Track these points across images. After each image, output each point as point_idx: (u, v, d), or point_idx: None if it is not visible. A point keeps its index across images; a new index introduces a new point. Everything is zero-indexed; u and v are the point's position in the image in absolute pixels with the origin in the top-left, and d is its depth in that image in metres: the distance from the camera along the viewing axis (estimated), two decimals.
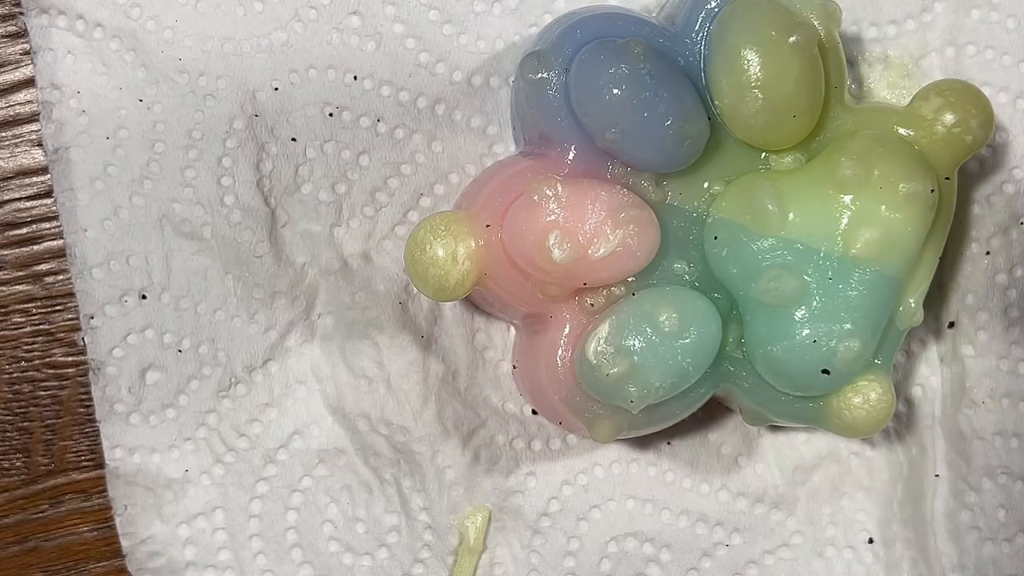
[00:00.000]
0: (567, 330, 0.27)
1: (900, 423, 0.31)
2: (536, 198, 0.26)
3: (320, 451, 0.30)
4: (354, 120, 0.30)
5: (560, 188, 0.26)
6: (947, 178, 0.27)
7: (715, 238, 0.27)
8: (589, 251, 0.26)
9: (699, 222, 0.27)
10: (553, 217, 0.26)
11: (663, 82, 0.26)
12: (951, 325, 0.31)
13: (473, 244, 0.27)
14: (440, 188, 0.30)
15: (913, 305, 0.27)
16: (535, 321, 0.28)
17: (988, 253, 0.30)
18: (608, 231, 0.26)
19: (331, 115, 0.30)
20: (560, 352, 0.27)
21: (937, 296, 0.30)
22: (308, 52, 0.30)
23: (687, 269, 0.27)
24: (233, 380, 0.30)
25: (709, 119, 0.27)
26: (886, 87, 0.30)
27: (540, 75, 0.27)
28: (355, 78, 0.30)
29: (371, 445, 0.30)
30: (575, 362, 0.27)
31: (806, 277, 0.26)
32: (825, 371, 0.26)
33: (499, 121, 0.30)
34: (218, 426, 0.30)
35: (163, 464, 0.30)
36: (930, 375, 0.31)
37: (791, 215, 0.26)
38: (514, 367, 0.29)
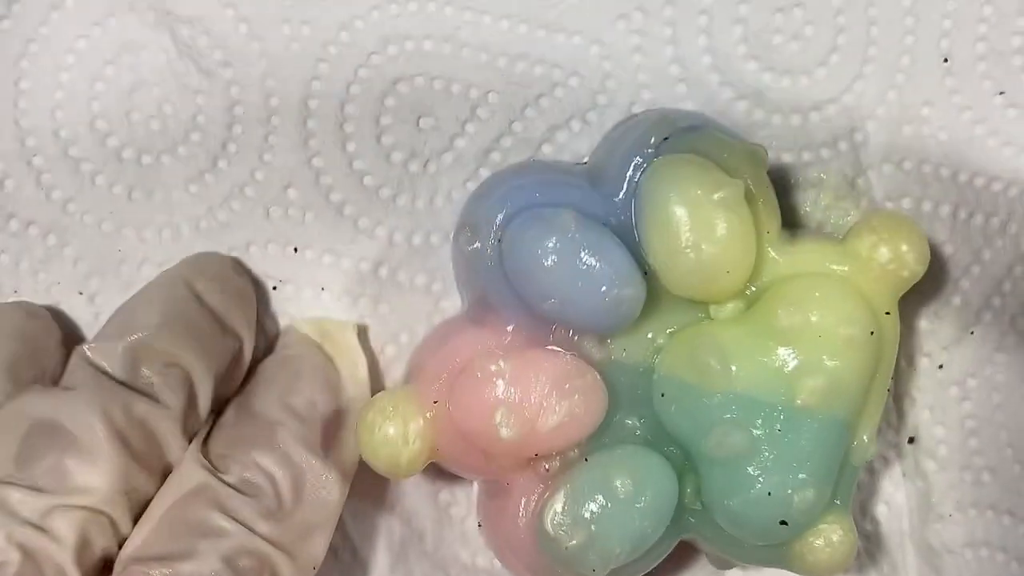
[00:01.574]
0: (524, 500, 0.27)
1: (869, 542, 0.31)
2: (480, 375, 0.26)
3: None
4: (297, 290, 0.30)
5: (503, 364, 0.26)
6: (887, 312, 0.27)
7: (662, 395, 0.27)
8: (537, 424, 0.26)
9: (646, 376, 0.27)
10: (498, 393, 0.26)
11: (595, 250, 0.26)
12: (911, 440, 0.31)
13: (422, 421, 0.27)
14: (391, 349, 0.30)
15: (867, 440, 0.27)
16: (493, 486, 0.28)
17: (940, 367, 0.30)
18: (554, 402, 0.26)
19: (275, 288, 0.30)
20: (519, 519, 0.27)
21: (894, 413, 0.30)
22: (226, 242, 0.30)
23: (639, 424, 0.27)
24: None
25: (646, 274, 0.27)
26: (822, 210, 0.30)
27: (474, 246, 0.27)
28: (295, 250, 0.30)
29: None
30: (535, 530, 0.27)
31: (755, 430, 0.26)
32: (783, 522, 0.26)
33: (442, 277, 0.30)
34: None
35: None
36: (895, 491, 0.31)
37: (734, 368, 0.26)
38: (479, 524, 0.29)
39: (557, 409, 0.26)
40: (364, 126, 0.30)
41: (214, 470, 0.26)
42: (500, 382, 0.26)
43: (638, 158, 0.27)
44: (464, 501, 0.31)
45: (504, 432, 0.26)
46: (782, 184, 0.30)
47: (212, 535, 0.25)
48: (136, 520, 0.26)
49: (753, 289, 0.27)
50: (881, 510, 0.31)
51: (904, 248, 0.27)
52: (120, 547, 0.26)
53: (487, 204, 0.27)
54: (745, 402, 0.26)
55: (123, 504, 0.25)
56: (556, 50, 0.30)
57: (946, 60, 0.30)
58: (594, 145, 0.30)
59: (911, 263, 0.27)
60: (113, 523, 0.25)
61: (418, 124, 0.30)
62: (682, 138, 0.27)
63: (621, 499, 0.26)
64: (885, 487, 0.31)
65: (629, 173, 0.27)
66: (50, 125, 0.30)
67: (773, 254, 0.27)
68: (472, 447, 0.27)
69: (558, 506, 0.26)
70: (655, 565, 0.28)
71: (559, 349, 0.27)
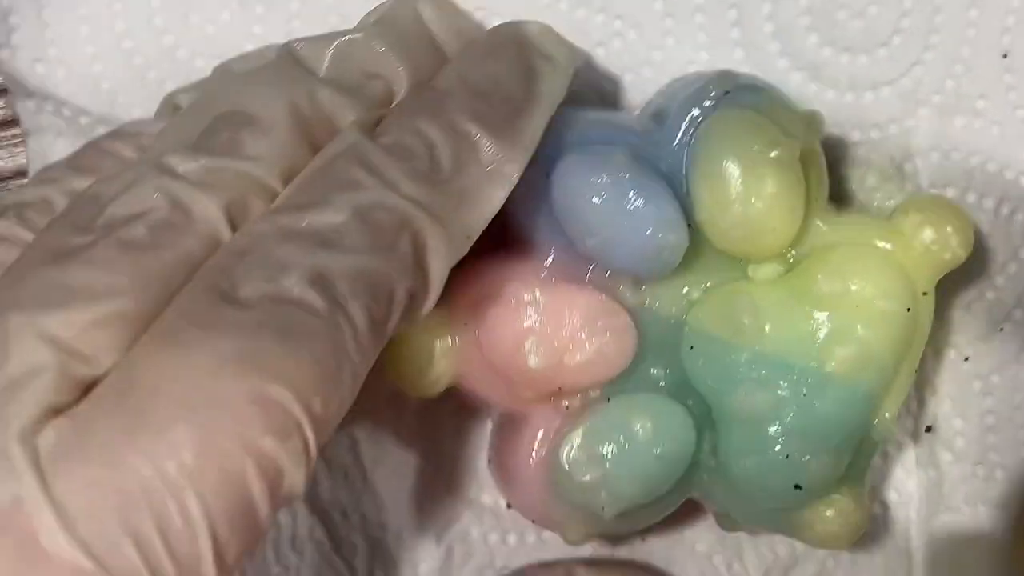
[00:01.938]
0: (541, 432, 0.27)
1: (877, 525, 0.31)
2: (514, 302, 0.26)
3: (293, 539, 0.30)
4: None
5: (538, 294, 0.26)
6: (924, 293, 0.27)
7: (691, 348, 0.27)
8: (564, 358, 0.26)
9: (677, 328, 0.27)
10: (530, 322, 0.26)
11: (645, 192, 0.26)
12: (928, 429, 0.31)
13: (450, 342, 0.27)
14: None
15: (889, 417, 0.27)
16: (511, 419, 0.28)
17: (966, 359, 0.30)
18: (584, 338, 0.26)
19: None
20: (534, 453, 0.27)
21: (915, 400, 0.30)
22: None
23: (663, 375, 0.27)
24: None
25: (689, 227, 0.27)
26: (866, 190, 0.30)
27: (523, 176, 0.27)
28: None
29: (345, 537, 0.30)
30: (548, 465, 0.27)
31: (780, 392, 0.26)
32: (797, 486, 0.26)
33: None
34: None
35: None
36: (906, 479, 0.31)
37: (767, 328, 0.26)
38: (489, 461, 0.29)
39: (587, 345, 0.26)
40: None
41: (369, 135, 0.25)
42: (532, 312, 0.26)
43: (696, 110, 0.27)
44: (476, 439, 0.31)
45: (531, 361, 0.26)
46: (828, 159, 0.30)
47: (348, 188, 0.23)
48: None
49: (794, 254, 0.27)
50: (891, 496, 0.31)
51: (949, 230, 0.27)
52: None
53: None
54: (774, 363, 0.26)
55: (286, 181, 0.24)
56: (619, 1, 0.30)
57: (1005, 56, 0.30)
58: (646, 100, 0.30)
59: (954, 246, 0.27)
60: (273, 197, 0.24)
61: None
62: (742, 95, 0.27)
63: (639, 442, 0.26)
64: (897, 473, 0.31)
65: (685, 124, 0.27)
66: None
67: (818, 222, 0.27)
68: (497, 374, 0.27)
69: (576, 441, 0.26)
70: (661, 518, 0.28)
71: (595, 287, 0.27)
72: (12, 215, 0.24)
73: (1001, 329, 0.30)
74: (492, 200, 0.25)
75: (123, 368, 0.21)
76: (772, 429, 0.26)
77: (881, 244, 0.27)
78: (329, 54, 0.26)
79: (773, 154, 0.26)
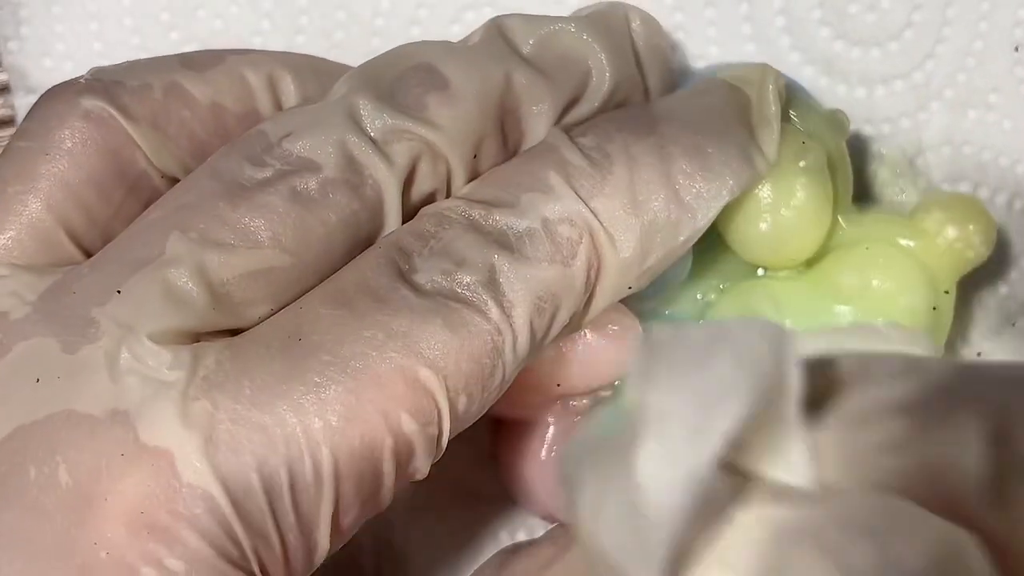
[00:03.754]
0: (551, 430, 0.27)
1: None
2: None
3: None
4: None
5: None
6: (946, 291, 0.27)
7: None
8: (570, 362, 0.26)
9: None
10: None
11: None
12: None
13: None
14: None
15: None
16: (519, 421, 0.28)
17: (979, 355, 0.30)
18: (591, 342, 0.26)
19: None
20: (544, 451, 0.27)
21: None
22: None
23: None
24: None
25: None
26: (878, 185, 0.30)
27: None
28: None
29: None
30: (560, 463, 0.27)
31: None
32: None
33: None
34: None
35: None
36: None
37: (787, 323, 0.26)
38: (493, 456, 0.29)
39: (594, 352, 0.26)
40: None
41: (570, 136, 0.24)
42: None
43: None
44: (485, 435, 0.30)
45: (538, 368, 0.25)
46: None
47: (541, 192, 0.23)
48: (471, 180, 0.24)
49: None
50: None
51: (972, 228, 0.27)
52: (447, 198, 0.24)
53: None
54: None
55: (465, 156, 0.24)
56: None
57: (1017, 49, 0.30)
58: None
59: (977, 244, 0.27)
60: (449, 170, 0.24)
61: None
62: None
63: None
64: None
65: None
66: None
67: (842, 221, 0.27)
68: None
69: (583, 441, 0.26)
70: None
71: None
72: (102, 95, 0.24)
73: (1013, 324, 0.30)
74: (674, 240, 0.24)
75: (291, 316, 0.21)
76: None
77: (904, 242, 0.27)
78: (537, 35, 0.26)
79: (802, 164, 0.26)
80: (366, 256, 0.23)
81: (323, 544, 0.21)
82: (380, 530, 0.30)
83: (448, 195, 0.24)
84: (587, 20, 0.26)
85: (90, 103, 0.24)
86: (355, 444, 0.21)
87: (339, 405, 0.20)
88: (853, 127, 0.30)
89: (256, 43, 0.29)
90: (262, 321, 0.22)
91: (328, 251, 0.23)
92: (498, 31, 0.25)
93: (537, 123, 0.25)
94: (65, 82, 0.25)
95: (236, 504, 0.20)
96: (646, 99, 0.27)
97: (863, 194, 0.30)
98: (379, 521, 0.29)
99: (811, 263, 0.27)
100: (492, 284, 0.22)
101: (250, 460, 0.20)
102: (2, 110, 0.30)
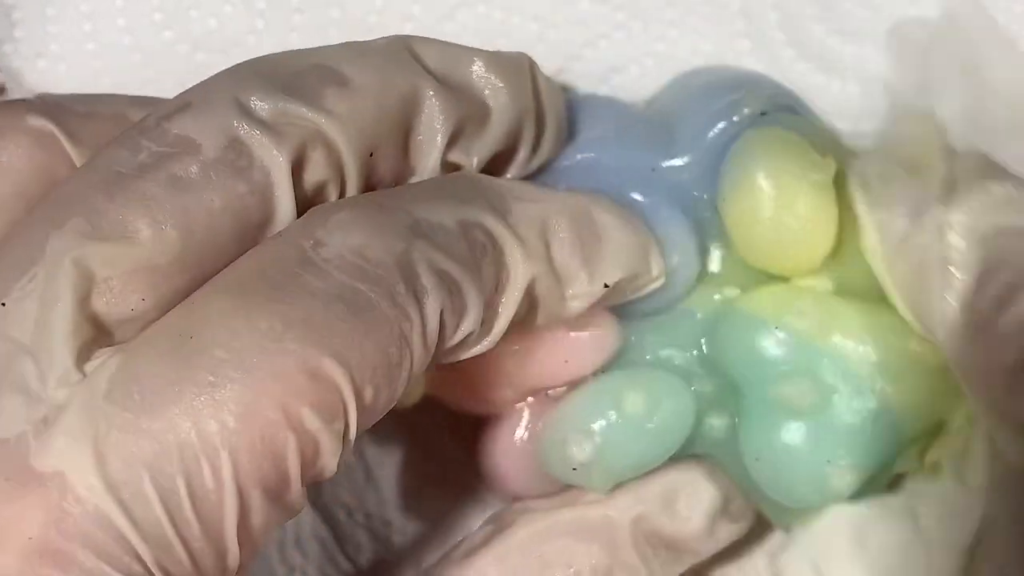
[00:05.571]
0: (526, 415, 0.27)
1: None
2: None
3: (297, 538, 0.30)
4: None
5: None
6: None
7: (737, 330, 0.26)
8: (541, 356, 0.26)
9: (703, 324, 0.27)
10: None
11: (652, 214, 0.26)
12: None
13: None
14: None
15: (927, 462, 0.27)
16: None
17: None
18: (563, 337, 0.26)
19: None
20: (518, 437, 0.27)
21: None
22: None
23: (677, 355, 0.27)
24: None
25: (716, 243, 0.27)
26: None
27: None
28: None
29: (349, 534, 0.30)
30: (536, 446, 0.27)
31: (829, 393, 0.26)
32: (814, 490, 0.26)
33: None
34: None
35: None
36: None
37: (835, 334, 0.26)
38: (477, 454, 0.29)
39: (565, 344, 0.26)
40: None
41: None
42: None
43: (724, 123, 0.27)
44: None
45: (504, 363, 0.26)
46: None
47: (459, 201, 0.23)
48: (366, 188, 0.24)
49: (846, 273, 0.27)
50: None
51: None
52: (340, 197, 0.23)
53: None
54: (829, 364, 0.26)
55: (360, 152, 0.23)
56: None
57: None
58: (649, 90, 0.29)
59: None
60: (342, 164, 0.23)
61: None
62: (779, 116, 0.27)
63: (631, 416, 0.26)
64: None
65: (711, 135, 0.27)
66: None
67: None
68: (470, 378, 0.26)
69: (566, 417, 0.26)
70: None
71: None
72: (48, 115, 0.24)
73: None
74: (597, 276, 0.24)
75: (183, 312, 0.20)
76: (805, 427, 0.26)
77: None
78: (443, 57, 0.25)
79: (812, 177, 0.26)
80: (264, 243, 0.22)
81: (233, 550, 0.20)
82: (377, 528, 0.30)
83: (343, 194, 0.23)
84: (494, 55, 0.26)
85: (36, 121, 0.24)
86: (256, 445, 0.20)
87: (235, 404, 0.19)
88: (847, 125, 0.30)
89: (250, 42, 0.29)
90: (153, 321, 0.21)
91: (215, 238, 0.21)
92: (404, 46, 0.25)
93: (437, 136, 0.24)
94: (14, 99, 0.25)
95: (133, 518, 0.19)
96: (539, 140, 0.26)
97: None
98: (376, 518, 0.30)
99: (840, 283, 0.27)
100: (405, 268, 0.21)
101: (143, 471, 0.19)
102: None
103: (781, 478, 0.26)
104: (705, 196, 0.27)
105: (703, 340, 0.27)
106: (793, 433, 0.26)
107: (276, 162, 0.22)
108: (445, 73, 0.25)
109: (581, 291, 0.24)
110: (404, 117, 0.24)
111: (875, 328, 0.26)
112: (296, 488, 0.21)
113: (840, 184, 0.27)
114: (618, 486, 0.26)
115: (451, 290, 0.22)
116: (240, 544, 0.20)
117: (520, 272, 0.23)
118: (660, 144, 0.27)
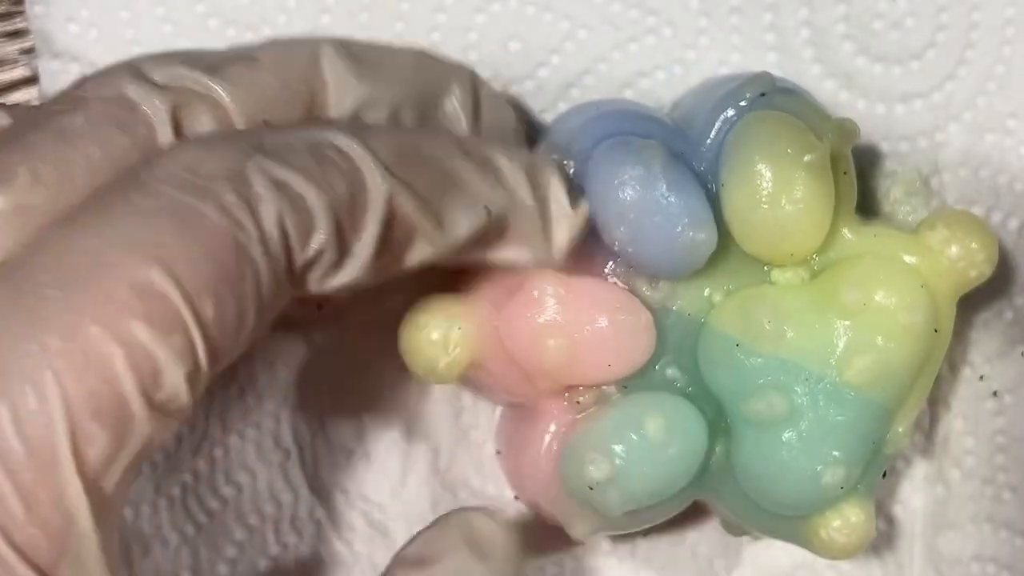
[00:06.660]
0: (554, 426, 0.27)
1: (880, 539, 0.31)
2: (536, 294, 0.26)
3: (293, 519, 0.30)
4: None
5: (561, 287, 0.26)
6: (947, 309, 0.27)
7: (709, 349, 0.27)
8: (583, 352, 0.26)
9: (695, 329, 0.27)
10: (551, 314, 0.26)
11: (677, 187, 0.26)
12: (938, 446, 0.30)
13: (468, 331, 0.26)
14: None
15: (901, 432, 0.27)
16: (522, 411, 0.28)
17: (981, 378, 0.30)
18: (604, 334, 0.26)
19: None
20: (544, 447, 0.27)
21: (927, 415, 0.30)
22: None
23: (679, 376, 0.27)
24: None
25: (717, 227, 0.26)
26: (891, 203, 0.30)
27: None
28: None
29: (346, 518, 0.30)
30: (558, 459, 0.27)
31: (796, 398, 0.26)
32: (807, 494, 0.26)
33: None
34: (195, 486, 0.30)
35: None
36: (913, 493, 0.31)
37: (788, 334, 0.26)
38: (498, 452, 0.29)
39: (606, 341, 0.26)
40: (451, 37, 0.30)
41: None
42: (554, 304, 0.26)
43: (730, 110, 0.27)
44: (485, 427, 0.30)
45: (551, 352, 0.26)
46: (855, 169, 0.30)
47: (313, 131, 0.23)
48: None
49: (818, 261, 0.27)
50: (897, 510, 0.31)
51: (975, 247, 0.27)
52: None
53: (578, 123, 0.27)
54: (792, 369, 0.26)
55: (250, 114, 0.23)
56: None
57: None
58: (675, 97, 0.29)
59: (980, 263, 0.27)
60: (227, 123, 0.23)
61: (506, 46, 0.30)
62: (778, 98, 0.27)
63: (651, 441, 0.26)
64: (904, 488, 0.31)
65: (719, 124, 0.27)
66: None
67: (845, 230, 0.27)
68: (513, 365, 0.26)
69: (588, 437, 0.26)
70: (668, 518, 0.28)
71: (617, 282, 0.27)
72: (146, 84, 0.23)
73: (1022, 353, 0.30)
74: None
75: (26, 249, 0.20)
76: (786, 435, 0.26)
77: (907, 257, 0.27)
78: (366, 44, 0.25)
79: (807, 158, 0.26)
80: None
81: (73, 483, 0.19)
82: (372, 513, 0.30)
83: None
84: (420, 52, 0.26)
85: (134, 90, 0.23)
86: (79, 362, 0.19)
87: (58, 323, 0.19)
88: (871, 143, 0.30)
89: (280, 21, 0.29)
90: None
91: (92, 187, 0.21)
92: (323, 42, 0.25)
93: (337, 110, 0.24)
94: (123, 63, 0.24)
95: None
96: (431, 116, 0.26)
97: (875, 211, 0.30)
98: (372, 503, 0.30)
99: (814, 271, 0.27)
100: (235, 177, 0.21)
101: None
102: (27, 71, 0.30)
103: (777, 490, 0.27)
104: (713, 188, 0.27)
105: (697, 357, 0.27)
106: (777, 444, 0.26)
107: (160, 116, 0.22)
108: (360, 53, 0.25)
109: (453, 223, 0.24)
110: (308, 94, 0.24)
111: (829, 310, 0.26)
112: (140, 411, 0.20)
113: (836, 168, 0.27)
114: None
115: (293, 200, 0.21)
116: (83, 479, 0.19)
117: (377, 187, 0.22)
118: (683, 133, 0.27)
